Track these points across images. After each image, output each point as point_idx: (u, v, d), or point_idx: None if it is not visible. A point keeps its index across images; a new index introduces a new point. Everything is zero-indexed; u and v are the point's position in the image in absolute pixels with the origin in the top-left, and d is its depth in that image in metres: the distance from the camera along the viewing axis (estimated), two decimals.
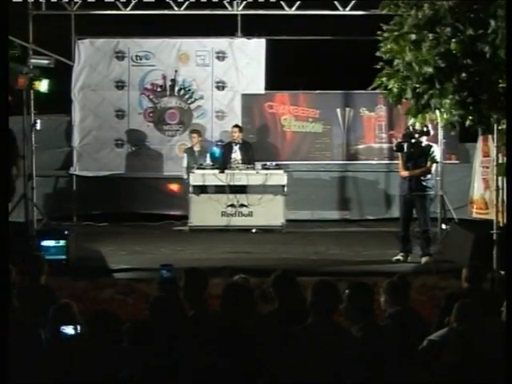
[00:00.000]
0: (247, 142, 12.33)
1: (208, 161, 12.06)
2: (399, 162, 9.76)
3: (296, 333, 4.69)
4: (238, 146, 12.17)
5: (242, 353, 4.61)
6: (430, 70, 7.41)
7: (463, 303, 5.06)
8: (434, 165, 9.66)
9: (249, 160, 12.05)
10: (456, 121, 7.68)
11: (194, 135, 12.43)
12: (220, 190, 11.98)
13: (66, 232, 9.28)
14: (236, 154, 12.15)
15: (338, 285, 4.92)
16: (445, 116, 7.74)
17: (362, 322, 4.81)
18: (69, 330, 4.78)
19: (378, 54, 7.84)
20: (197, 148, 12.37)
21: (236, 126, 12.36)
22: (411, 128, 9.34)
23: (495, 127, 8.07)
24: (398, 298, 5.50)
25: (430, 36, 7.41)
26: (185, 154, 12.45)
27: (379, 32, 7.86)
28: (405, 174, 9.53)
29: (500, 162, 8.35)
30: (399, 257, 9.53)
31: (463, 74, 7.35)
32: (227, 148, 12.28)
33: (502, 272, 7.48)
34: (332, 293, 4.78)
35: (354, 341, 4.67)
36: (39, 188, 11.14)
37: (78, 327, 4.78)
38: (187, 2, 12.15)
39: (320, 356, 4.53)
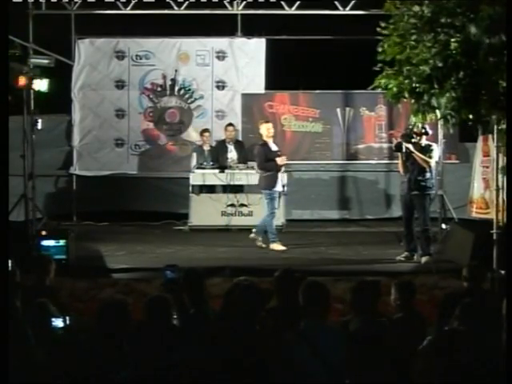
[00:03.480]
0: (240, 141, 12.36)
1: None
2: (399, 161, 9.76)
3: (289, 335, 4.67)
4: (232, 145, 12.19)
5: (241, 353, 4.60)
6: (427, 69, 7.40)
7: (465, 303, 5.05)
8: (433, 163, 9.63)
9: (243, 159, 12.05)
10: (448, 114, 7.62)
11: (206, 134, 12.39)
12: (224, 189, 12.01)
13: (66, 232, 9.28)
14: (232, 154, 12.15)
15: (327, 285, 4.90)
16: (438, 113, 7.70)
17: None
18: (58, 322, 4.84)
19: (378, 49, 7.79)
20: (206, 147, 12.34)
21: (231, 124, 12.38)
22: (412, 128, 9.33)
23: (495, 127, 8.07)
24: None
25: (429, 36, 7.41)
26: (194, 153, 12.42)
27: (378, 29, 7.84)
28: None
29: (501, 165, 8.33)
30: (402, 257, 9.52)
31: (461, 73, 7.35)
32: (221, 147, 12.27)
33: (502, 272, 7.48)
34: (322, 293, 4.75)
35: (347, 342, 4.66)
36: (39, 188, 11.14)
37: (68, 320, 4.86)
38: (187, 2, 12.17)
39: (314, 358, 4.52)
